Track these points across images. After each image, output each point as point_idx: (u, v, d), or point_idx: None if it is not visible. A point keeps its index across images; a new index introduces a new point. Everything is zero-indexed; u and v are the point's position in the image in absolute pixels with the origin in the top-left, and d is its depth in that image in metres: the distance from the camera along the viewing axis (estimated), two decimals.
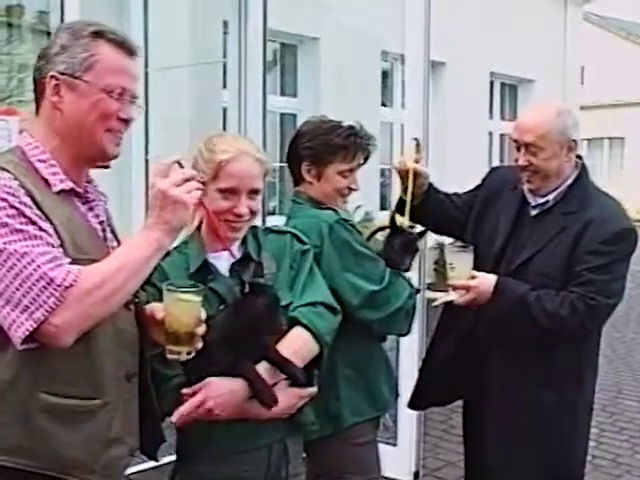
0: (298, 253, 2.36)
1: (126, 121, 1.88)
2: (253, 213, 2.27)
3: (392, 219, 2.75)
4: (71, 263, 1.73)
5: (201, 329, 1.94)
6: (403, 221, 2.77)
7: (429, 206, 3.00)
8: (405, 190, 2.87)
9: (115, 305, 1.76)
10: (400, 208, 2.85)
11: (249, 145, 2.31)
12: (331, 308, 2.34)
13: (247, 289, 2.12)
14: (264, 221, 4.28)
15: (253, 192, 2.26)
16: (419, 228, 2.81)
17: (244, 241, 2.32)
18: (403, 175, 2.91)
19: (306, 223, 2.60)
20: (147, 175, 5.39)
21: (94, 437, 1.85)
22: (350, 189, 2.78)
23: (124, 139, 1.91)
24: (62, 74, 1.82)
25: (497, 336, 2.80)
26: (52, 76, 1.83)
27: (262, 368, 2.15)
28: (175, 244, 2.17)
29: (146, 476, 3.80)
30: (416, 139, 3.02)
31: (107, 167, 1.93)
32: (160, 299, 1.97)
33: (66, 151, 1.85)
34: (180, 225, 1.82)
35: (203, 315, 1.95)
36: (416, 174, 2.89)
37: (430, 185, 3.04)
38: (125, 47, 1.87)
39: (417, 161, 2.93)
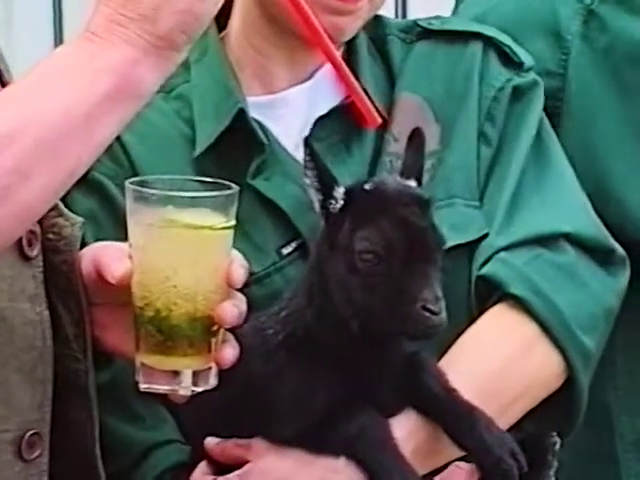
0: (503, 94, 1.08)
1: None
2: None
3: None
4: None
5: (231, 309, 0.84)
6: None
7: None
8: None
9: None
10: None
11: None
12: (598, 251, 1.04)
13: (349, 196, 0.91)
14: (404, 13, 2.40)
15: None
16: None
17: (349, 60, 1.07)
18: None
19: (512, 4, 1.19)
20: None
21: None
22: None
23: None
24: None
25: None
26: None
27: (400, 429, 0.93)
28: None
29: None
30: None
31: None
32: (118, 234, 0.91)
33: None
34: (191, 30, 0.78)
35: (238, 270, 0.84)
36: None
37: None
38: None
39: None
